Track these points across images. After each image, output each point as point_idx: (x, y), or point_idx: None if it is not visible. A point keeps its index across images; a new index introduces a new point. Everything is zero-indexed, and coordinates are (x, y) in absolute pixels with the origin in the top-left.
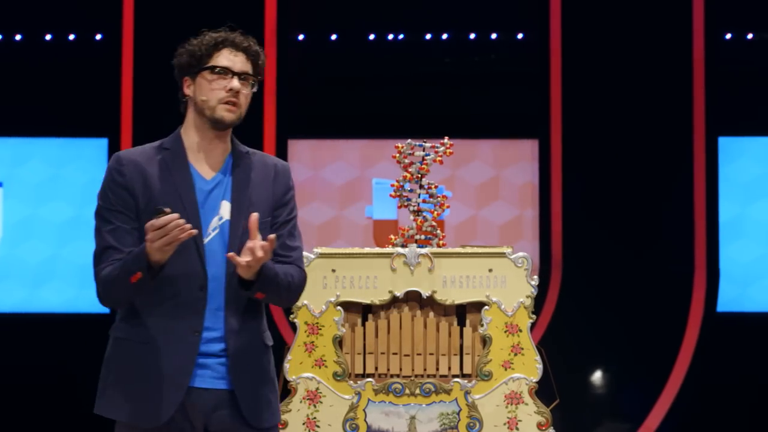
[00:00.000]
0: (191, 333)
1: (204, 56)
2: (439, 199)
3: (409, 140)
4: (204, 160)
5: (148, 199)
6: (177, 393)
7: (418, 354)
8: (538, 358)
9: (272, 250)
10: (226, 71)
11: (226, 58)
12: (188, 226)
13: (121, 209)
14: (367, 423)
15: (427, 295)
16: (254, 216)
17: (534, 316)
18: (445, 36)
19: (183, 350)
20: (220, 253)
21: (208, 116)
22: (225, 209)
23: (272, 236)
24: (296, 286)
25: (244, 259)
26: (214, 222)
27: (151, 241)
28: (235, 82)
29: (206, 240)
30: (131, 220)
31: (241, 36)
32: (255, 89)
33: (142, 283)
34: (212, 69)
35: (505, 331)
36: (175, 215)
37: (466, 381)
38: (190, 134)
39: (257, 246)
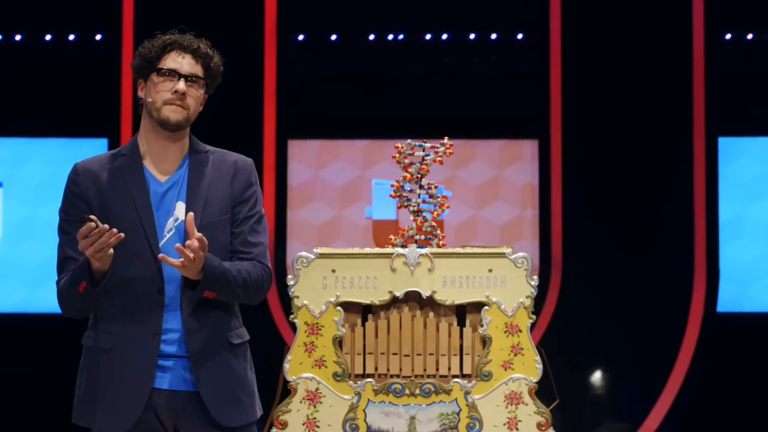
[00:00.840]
0: (151, 336)
1: (153, 59)
2: (439, 199)
3: (408, 140)
4: (159, 163)
5: (102, 207)
6: (139, 397)
7: (418, 354)
8: (538, 358)
9: (203, 249)
10: (172, 73)
11: (173, 60)
12: (114, 230)
13: (74, 219)
14: (366, 423)
15: (427, 295)
16: (190, 215)
17: (534, 317)
18: (445, 36)
19: (144, 354)
20: (177, 254)
21: (155, 117)
22: (180, 210)
23: (199, 235)
24: (254, 282)
25: (176, 260)
26: (170, 223)
27: (82, 249)
28: (181, 84)
29: (162, 242)
30: None
31: (192, 38)
32: (207, 92)
33: (88, 292)
34: (158, 71)
35: (505, 332)
36: (94, 224)
37: (466, 381)
38: (144, 137)
39: (188, 246)
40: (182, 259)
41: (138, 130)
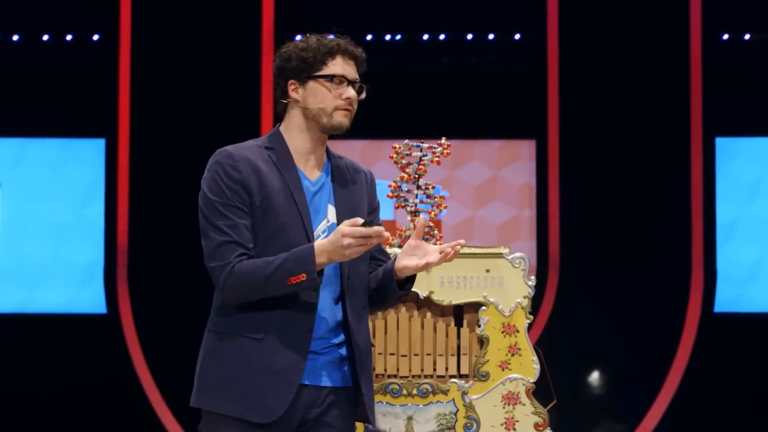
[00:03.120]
0: (304, 331)
1: (317, 62)
2: (436, 199)
3: (406, 141)
4: (308, 162)
5: (263, 196)
6: (288, 390)
7: (416, 354)
8: (535, 358)
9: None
10: (342, 79)
11: (341, 66)
12: (382, 231)
13: (238, 205)
14: (364, 424)
15: (425, 295)
16: (423, 218)
17: (531, 317)
18: (442, 36)
19: (295, 347)
20: None
21: (325, 123)
22: (331, 213)
23: (462, 241)
24: None
25: (438, 257)
26: (323, 225)
27: (347, 246)
28: (352, 91)
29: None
30: (247, 215)
31: (352, 44)
32: (364, 96)
33: (303, 286)
34: (330, 78)
35: (503, 332)
36: (382, 229)
37: (463, 381)
38: (293, 136)
39: (446, 251)
40: (440, 257)
41: (135, 130)
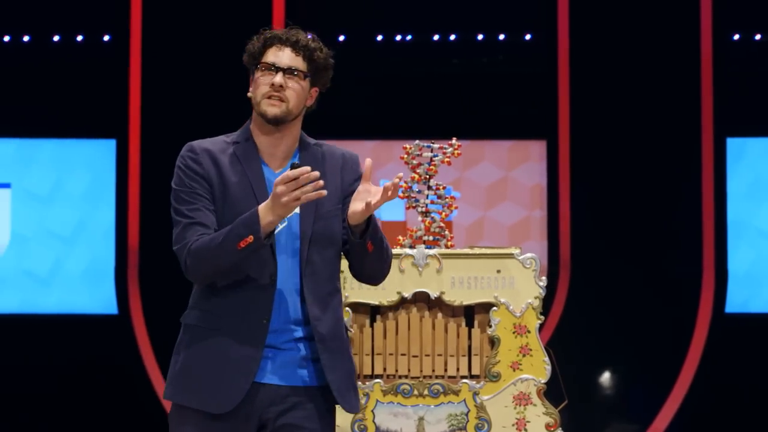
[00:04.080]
0: (260, 320)
1: (258, 54)
2: (447, 200)
3: (417, 141)
4: (272, 154)
5: (222, 188)
6: (244, 380)
7: (427, 355)
8: (546, 359)
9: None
10: (271, 67)
11: (272, 54)
12: (321, 182)
13: (201, 192)
14: (375, 424)
15: (436, 296)
16: (368, 161)
17: (542, 317)
18: (453, 37)
19: (251, 337)
20: (290, 245)
21: (257, 111)
22: None
23: (401, 174)
24: (389, 253)
25: (375, 197)
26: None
27: (281, 194)
28: (277, 78)
29: (277, 230)
30: (210, 202)
31: (293, 31)
32: (317, 85)
33: (252, 248)
34: (258, 66)
35: (514, 332)
36: (308, 168)
37: (474, 382)
38: (256, 129)
39: (387, 186)
40: (390, 192)
41: (146, 130)
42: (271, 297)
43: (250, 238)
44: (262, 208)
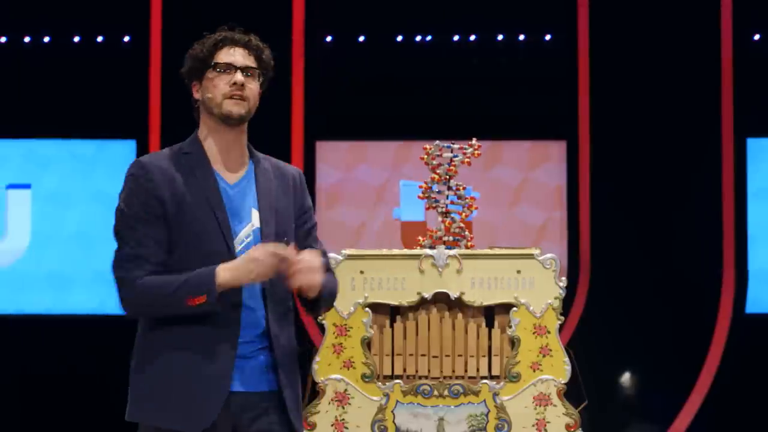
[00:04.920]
0: (230, 336)
1: (207, 57)
2: (467, 200)
3: (437, 142)
4: (225, 163)
5: (177, 205)
6: (218, 398)
7: (447, 355)
8: (566, 359)
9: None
10: (228, 67)
11: (226, 54)
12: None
13: (149, 218)
14: (395, 424)
15: (456, 296)
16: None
17: (562, 318)
18: (473, 37)
19: (222, 354)
20: None
21: (217, 113)
22: (255, 217)
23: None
24: (337, 290)
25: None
26: (247, 229)
27: (267, 268)
28: (239, 75)
29: (240, 247)
30: (159, 227)
31: (241, 32)
32: (263, 84)
33: (202, 308)
34: (214, 67)
35: (534, 333)
36: (293, 251)
37: (494, 382)
38: (206, 138)
39: (312, 265)
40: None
41: (166, 131)
42: (239, 311)
43: (203, 298)
44: (223, 267)
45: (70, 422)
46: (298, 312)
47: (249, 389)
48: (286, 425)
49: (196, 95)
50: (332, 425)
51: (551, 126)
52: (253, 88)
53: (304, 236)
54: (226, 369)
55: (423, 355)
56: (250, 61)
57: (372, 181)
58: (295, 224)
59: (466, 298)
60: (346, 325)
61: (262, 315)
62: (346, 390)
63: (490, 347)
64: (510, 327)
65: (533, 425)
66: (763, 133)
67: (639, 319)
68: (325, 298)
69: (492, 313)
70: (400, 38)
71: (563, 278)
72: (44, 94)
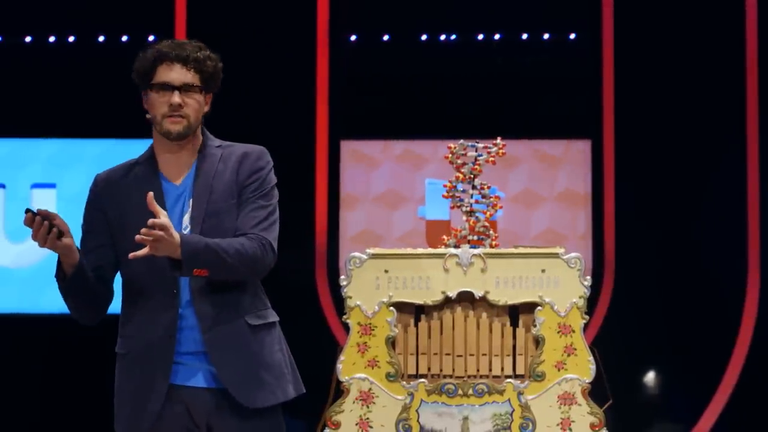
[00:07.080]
0: (166, 336)
1: (147, 74)
2: (491, 199)
3: (461, 141)
4: (173, 167)
5: (119, 215)
6: (156, 398)
7: (471, 355)
8: (591, 358)
9: (169, 228)
10: (165, 86)
11: (164, 73)
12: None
13: (90, 229)
14: (420, 423)
15: (480, 295)
16: (150, 195)
17: (587, 317)
18: (497, 36)
19: (159, 355)
20: None
21: (159, 130)
22: (186, 215)
23: (164, 213)
24: (250, 254)
25: (143, 250)
26: (185, 221)
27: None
28: (175, 98)
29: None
30: (102, 238)
31: (179, 46)
32: (211, 91)
33: (60, 286)
34: (152, 87)
35: (558, 332)
36: (32, 215)
37: (519, 381)
38: (158, 147)
39: (152, 225)
40: (146, 247)
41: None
42: (176, 311)
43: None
44: None
45: (96, 421)
46: (323, 311)
47: (197, 384)
48: (241, 418)
49: (145, 105)
50: (356, 424)
51: (576, 125)
52: (192, 104)
53: (242, 207)
54: (164, 369)
55: (447, 354)
56: (189, 78)
57: (396, 180)
58: (238, 200)
59: (490, 297)
60: (370, 324)
61: (189, 298)
62: (370, 389)
63: (514, 346)
64: (534, 326)
65: (558, 424)
66: None
67: (663, 319)
68: (192, 261)
69: (516, 312)
70: (424, 37)
71: (588, 277)
72: (68, 93)
